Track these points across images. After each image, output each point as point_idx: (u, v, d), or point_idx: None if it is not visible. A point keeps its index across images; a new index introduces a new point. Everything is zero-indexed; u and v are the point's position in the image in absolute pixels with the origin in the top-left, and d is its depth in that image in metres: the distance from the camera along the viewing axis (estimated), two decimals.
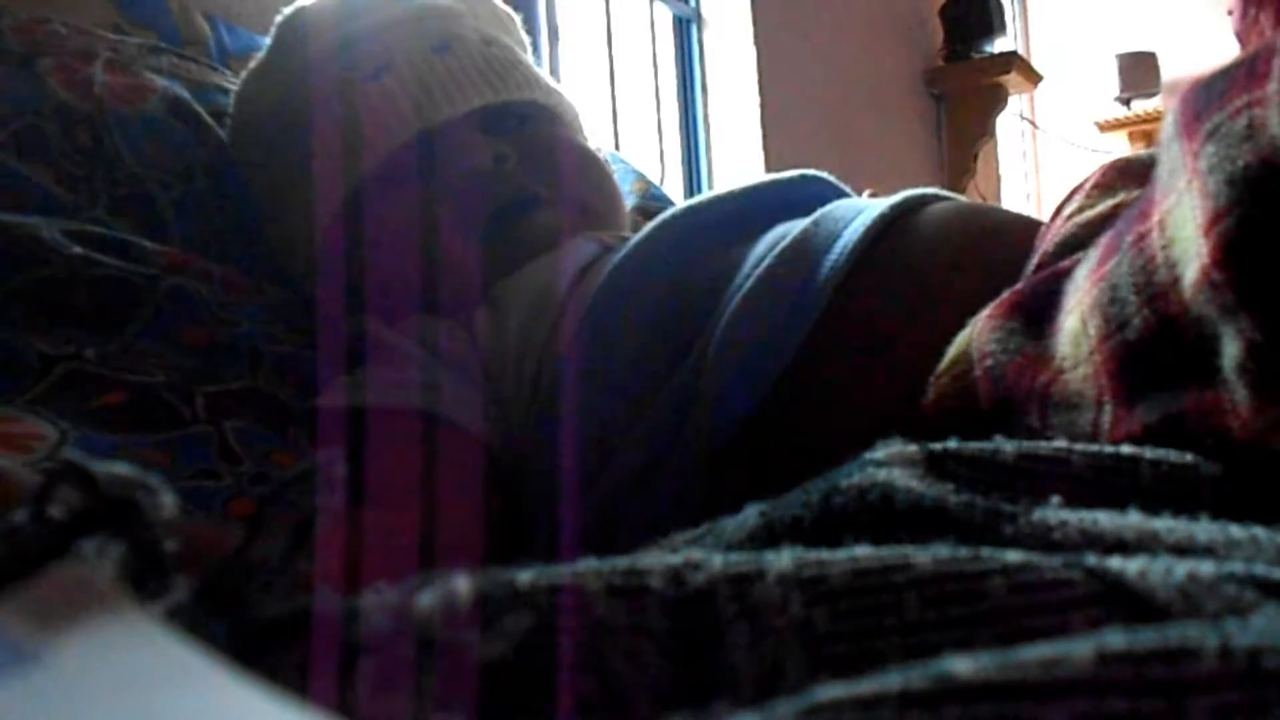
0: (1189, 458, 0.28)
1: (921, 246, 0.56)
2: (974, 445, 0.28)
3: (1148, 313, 0.35)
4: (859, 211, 0.58)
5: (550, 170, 0.77)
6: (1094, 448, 0.28)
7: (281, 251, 0.79)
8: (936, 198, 0.62)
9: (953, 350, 0.46)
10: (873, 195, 0.70)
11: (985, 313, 0.46)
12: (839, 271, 0.54)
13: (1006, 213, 0.62)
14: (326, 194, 0.75)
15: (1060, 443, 0.28)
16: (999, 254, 0.53)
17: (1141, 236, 0.36)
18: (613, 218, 0.82)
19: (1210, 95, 0.33)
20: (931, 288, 0.53)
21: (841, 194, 0.72)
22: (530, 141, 0.77)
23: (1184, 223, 0.33)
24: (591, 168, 0.82)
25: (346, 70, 0.75)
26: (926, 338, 0.48)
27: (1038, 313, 0.42)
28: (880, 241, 0.56)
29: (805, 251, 0.56)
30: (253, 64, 0.81)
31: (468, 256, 0.73)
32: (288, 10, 0.81)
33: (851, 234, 0.56)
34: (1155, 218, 0.36)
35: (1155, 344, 0.35)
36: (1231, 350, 0.31)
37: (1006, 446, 0.28)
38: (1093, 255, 0.40)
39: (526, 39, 0.88)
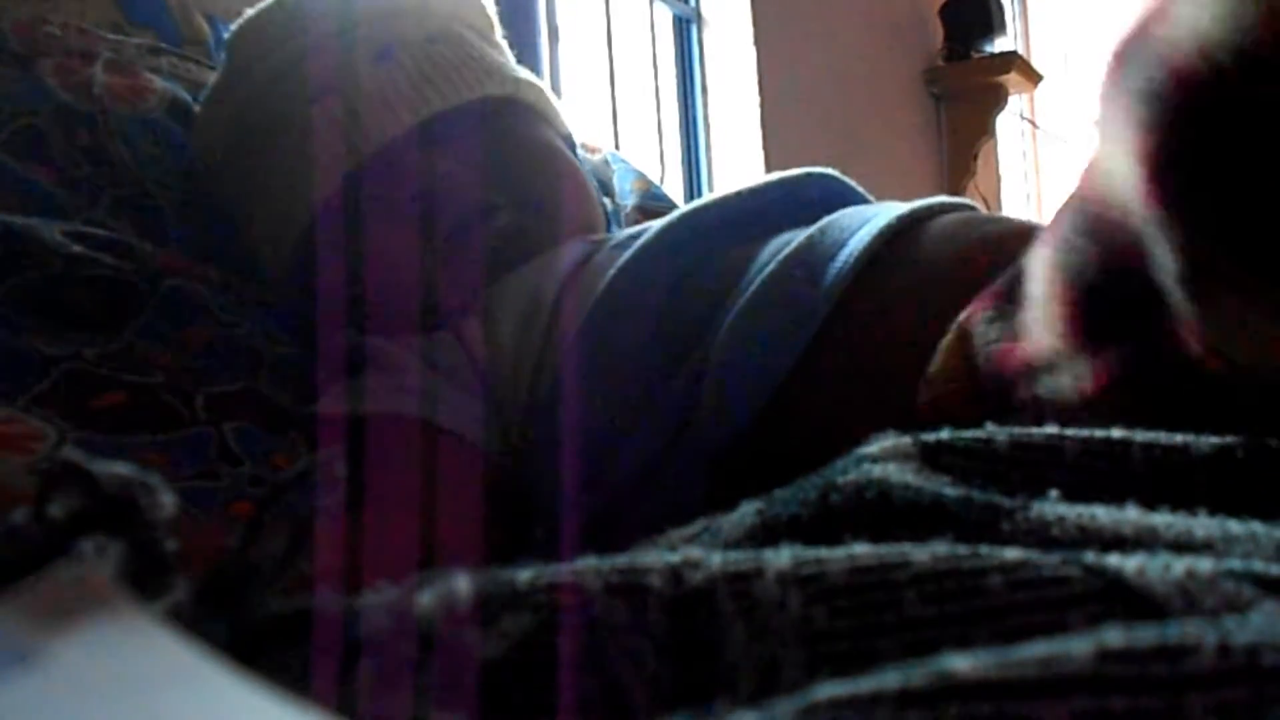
0: (1179, 439, 0.28)
1: (925, 257, 0.56)
2: (967, 435, 0.28)
3: (1099, 250, 0.36)
4: (866, 220, 0.58)
5: (505, 172, 0.74)
6: (1085, 432, 0.28)
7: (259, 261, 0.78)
8: (944, 207, 0.62)
9: (941, 355, 0.46)
10: None
11: (970, 307, 0.46)
12: (844, 278, 0.54)
13: (1012, 221, 0.62)
14: (280, 230, 0.74)
15: (1052, 429, 0.28)
16: (1002, 264, 0.53)
17: (1084, 186, 0.37)
18: (580, 211, 0.78)
19: (1124, 46, 0.34)
20: (933, 299, 0.52)
21: (850, 190, 0.71)
22: (482, 147, 0.74)
23: (1118, 155, 0.34)
24: (550, 161, 0.78)
25: (290, 95, 0.73)
26: (927, 347, 0.48)
27: (1015, 294, 0.43)
28: (886, 250, 0.56)
29: (810, 258, 0.56)
30: (211, 81, 0.79)
31: (435, 274, 0.71)
32: (235, 26, 0.78)
33: (857, 242, 0.56)
34: (1096, 168, 0.36)
35: (1110, 282, 0.35)
36: (1169, 265, 0.32)
37: (999, 435, 0.28)
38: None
39: (493, 8, 0.84)
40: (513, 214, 0.73)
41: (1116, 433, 0.28)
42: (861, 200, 0.70)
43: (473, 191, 0.72)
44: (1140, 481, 0.26)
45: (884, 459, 0.27)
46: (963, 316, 0.46)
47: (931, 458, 0.28)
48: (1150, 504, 0.24)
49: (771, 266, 0.57)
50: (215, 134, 0.77)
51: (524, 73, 0.81)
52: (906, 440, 0.29)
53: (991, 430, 0.29)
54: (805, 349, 0.53)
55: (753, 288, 0.56)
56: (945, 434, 0.29)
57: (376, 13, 0.75)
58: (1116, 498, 0.24)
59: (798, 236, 0.58)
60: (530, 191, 0.75)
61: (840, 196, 0.69)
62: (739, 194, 0.68)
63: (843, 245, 0.56)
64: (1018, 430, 0.28)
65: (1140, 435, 0.27)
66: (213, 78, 0.79)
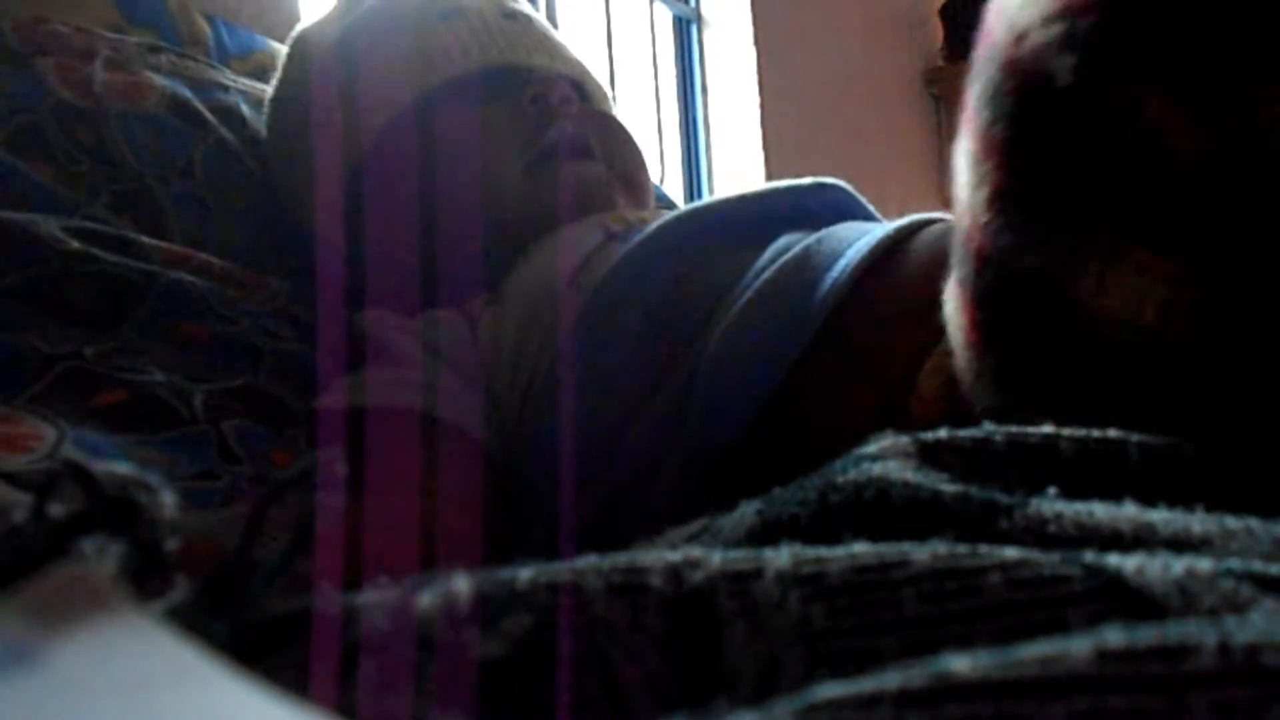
0: (1172, 439, 0.28)
1: (919, 270, 0.56)
2: (965, 434, 0.28)
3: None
4: (864, 232, 0.58)
5: (601, 130, 0.80)
6: (1081, 432, 0.28)
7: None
8: (940, 221, 0.62)
9: (925, 379, 0.47)
10: None
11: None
12: (838, 290, 0.54)
13: None
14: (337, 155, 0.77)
15: (1048, 428, 0.28)
16: None
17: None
18: (646, 193, 0.84)
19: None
20: (924, 311, 0.52)
21: (856, 202, 0.72)
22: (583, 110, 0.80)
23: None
24: (632, 142, 0.84)
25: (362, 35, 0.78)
26: (917, 360, 0.48)
27: None
28: (882, 263, 0.56)
29: (807, 266, 0.56)
30: (273, 81, 0.84)
31: (504, 194, 0.73)
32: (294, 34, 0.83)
33: (854, 253, 0.56)
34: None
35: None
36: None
37: (996, 435, 0.28)
38: None
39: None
40: (601, 168, 0.78)
41: (1113, 433, 0.28)
42: (865, 213, 0.71)
43: (578, 125, 0.77)
44: (1136, 477, 0.26)
45: (883, 457, 0.27)
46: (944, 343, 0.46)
47: (930, 456, 0.28)
48: (1147, 499, 0.24)
49: (767, 274, 0.56)
50: (278, 120, 0.82)
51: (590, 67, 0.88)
52: (905, 439, 0.29)
53: (989, 429, 0.29)
54: (797, 359, 0.53)
55: (747, 295, 0.56)
56: (944, 433, 0.29)
57: None
58: (1113, 494, 0.24)
59: (797, 244, 0.58)
60: (616, 159, 0.80)
61: (846, 208, 0.70)
62: (744, 197, 0.68)
63: (839, 256, 0.56)
64: (1014, 429, 0.28)
65: (1136, 436, 0.27)
66: (276, 76, 0.84)
